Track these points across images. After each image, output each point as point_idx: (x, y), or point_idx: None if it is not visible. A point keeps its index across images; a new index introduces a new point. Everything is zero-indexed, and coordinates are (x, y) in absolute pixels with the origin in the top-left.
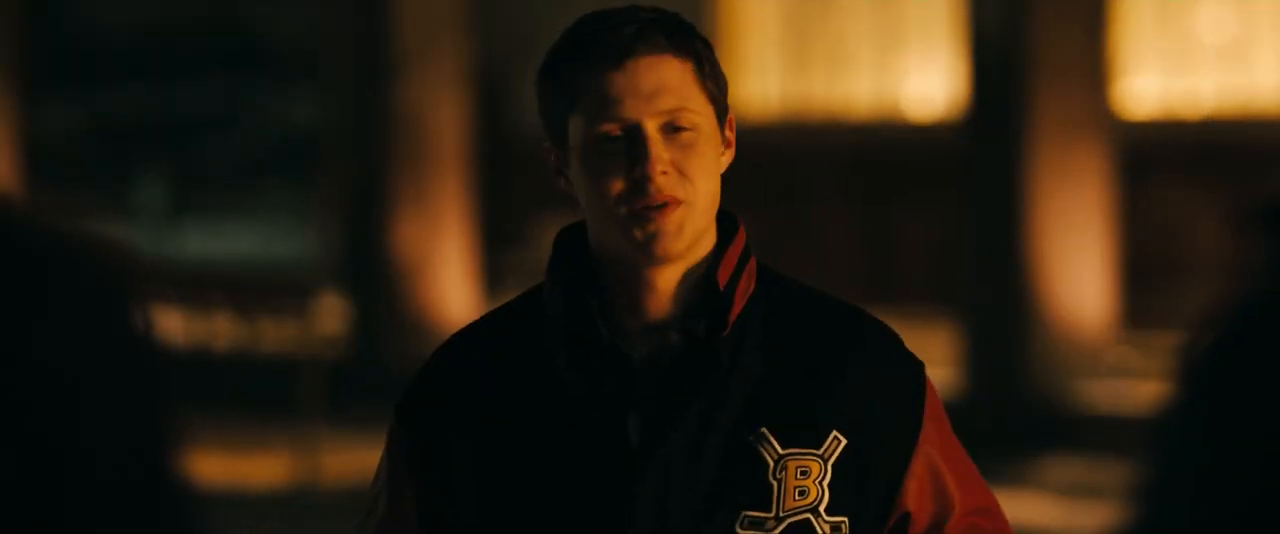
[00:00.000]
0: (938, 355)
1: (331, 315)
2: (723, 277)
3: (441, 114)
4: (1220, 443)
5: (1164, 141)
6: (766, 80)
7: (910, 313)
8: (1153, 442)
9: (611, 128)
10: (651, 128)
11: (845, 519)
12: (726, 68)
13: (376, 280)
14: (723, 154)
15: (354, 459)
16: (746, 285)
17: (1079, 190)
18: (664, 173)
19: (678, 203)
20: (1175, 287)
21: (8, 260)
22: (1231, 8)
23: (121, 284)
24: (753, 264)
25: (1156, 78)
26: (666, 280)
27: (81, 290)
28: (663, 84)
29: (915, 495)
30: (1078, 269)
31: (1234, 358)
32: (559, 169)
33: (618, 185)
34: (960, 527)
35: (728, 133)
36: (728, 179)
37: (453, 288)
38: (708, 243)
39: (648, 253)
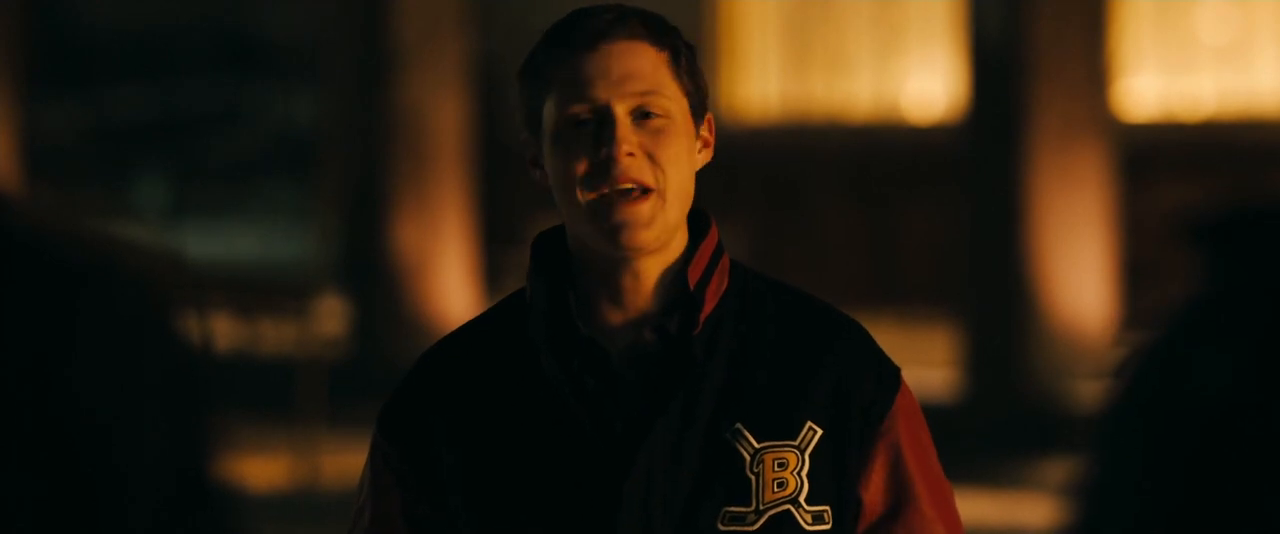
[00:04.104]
0: (938, 355)
1: (331, 316)
2: (694, 275)
3: (441, 113)
4: (1153, 445)
5: (1164, 143)
6: (766, 81)
7: (910, 313)
8: (1093, 439)
9: (581, 109)
10: (621, 111)
11: (826, 508)
12: (726, 68)
13: (376, 280)
14: (699, 153)
15: (354, 460)
16: (718, 283)
17: (1079, 191)
18: (630, 154)
19: (647, 191)
20: (1176, 287)
21: (41, 274)
22: (1231, 8)
23: (163, 295)
24: (725, 261)
25: (1156, 79)
26: (643, 277)
27: (120, 306)
28: (635, 69)
29: (870, 485)
30: (1078, 269)
31: (1166, 360)
32: (535, 161)
33: (583, 167)
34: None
35: (706, 133)
36: (728, 180)
37: (453, 288)
38: (681, 240)
39: (615, 242)
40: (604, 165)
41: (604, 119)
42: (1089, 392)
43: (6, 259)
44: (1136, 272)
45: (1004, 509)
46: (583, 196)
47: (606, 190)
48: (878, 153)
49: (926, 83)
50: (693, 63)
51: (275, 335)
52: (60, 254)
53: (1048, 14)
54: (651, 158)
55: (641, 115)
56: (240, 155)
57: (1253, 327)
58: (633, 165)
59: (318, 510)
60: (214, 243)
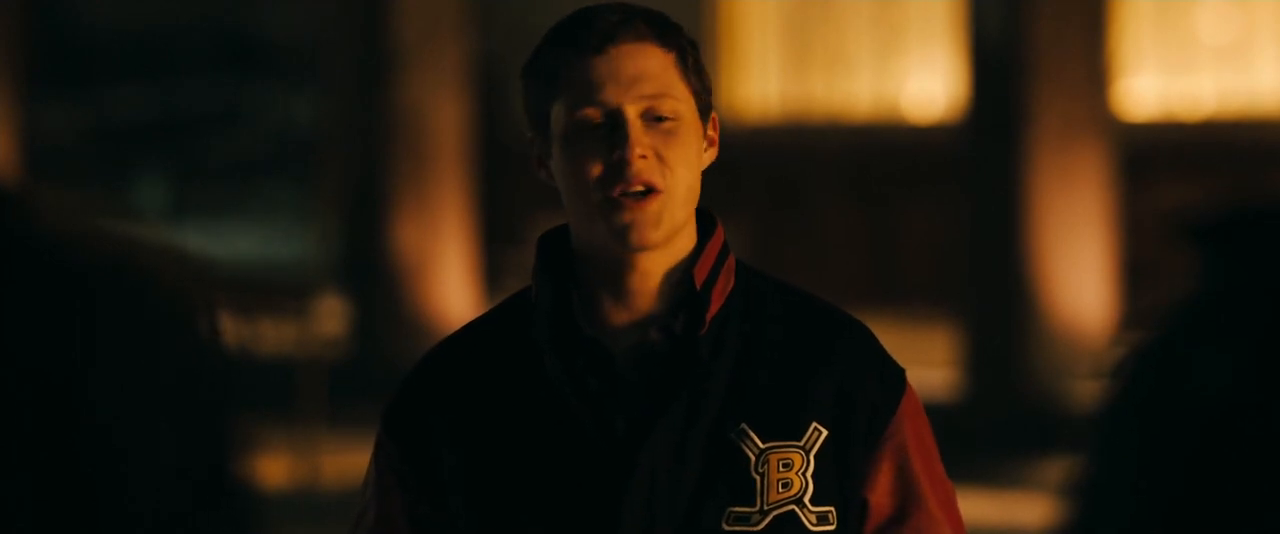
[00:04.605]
0: (938, 355)
1: (331, 316)
2: (700, 275)
3: (441, 113)
4: (1150, 445)
5: (1164, 142)
6: (766, 81)
7: (910, 313)
8: (1090, 438)
9: (593, 113)
10: (632, 113)
11: (831, 508)
12: (726, 68)
13: (376, 280)
14: (705, 152)
15: (354, 460)
16: (724, 283)
17: (1079, 191)
18: (643, 156)
19: (656, 191)
20: (1175, 288)
21: (47, 273)
22: (1231, 8)
23: (174, 294)
24: (731, 262)
25: (1156, 78)
26: (648, 276)
27: (129, 305)
28: (645, 71)
29: (876, 487)
30: (1078, 269)
31: (1164, 360)
32: (540, 160)
33: (596, 169)
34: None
35: (711, 132)
36: (729, 180)
37: (453, 288)
38: (688, 240)
39: (624, 241)
40: (617, 168)
41: (616, 122)
42: (1088, 392)
43: (12, 258)
44: (1136, 272)
45: (1003, 509)
46: (595, 198)
47: (617, 192)
48: (878, 153)
49: (926, 83)
50: (698, 63)
51: (275, 335)
52: (68, 253)
53: (1048, 14)
54: (661, 159)
55: (652, 117)
56: (240, 155)
57: (1253, 327)
58: (645, 168)
59: (318, 510)
60: (214, 243)
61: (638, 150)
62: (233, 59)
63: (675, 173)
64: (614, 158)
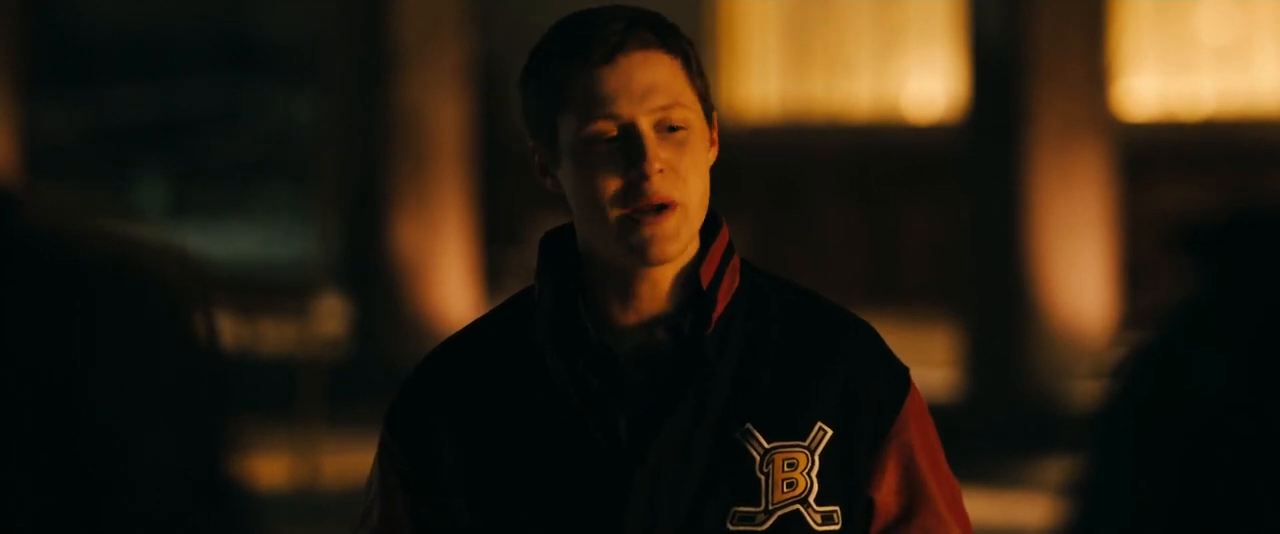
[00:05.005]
0: (938, 355)
1: (331, 316)
2: (706, 275)
3: (441, 114)
4: (1149, 444)
5: (1164, 143)
6: (766, 81)
7: (910, 313)
8: (1090, 438)
9: (606, 126)
10: (646, 125)
11: (836, 508)
12: (726, 68)
13: (376, 280)
14: (709, 152)
15: (354, 460)
16: (730, 283)
17: (1079, 191)
18: (660, 171)
19: (674, 205)
20: (1175, 288)
21: (49, 273)
22: (1231, 8)
23: (173, 293)
24: (736, 261)
25: (1156, 78)
26: (654, 279)
27: (129, 304)
28: (656, 81)
29: (882, 486)
30: (1078, 269)
31: (1163, 360)
32: (545, 168)
33: (613, 185)
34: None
35: (712, 132)
36: (729, 180)
37: (453, 288)
38: (694, 242)
39: (643, 257)
40: (635, 183)
41: (631, 136)
42: (1088, 392)
43: (12, 258)
44: (1136, 272)
45: (1004, 509)
46: (612, 214)
47: (635, 208)
48: (878, 153)
49: (926, 83)
50: (699, 62)
51: (275, 335)
52: (68, 253)
53: (1048, 14)
54: (675, 171)
55: (665, 128)
56: (240, 155)
57: (1246, 328)
58: (663, 182)
59: (318, 510)
60: (214, 243)
61: (655, 165)
62: (233, 59)
63: (688, 183)
64: (631, 174)
